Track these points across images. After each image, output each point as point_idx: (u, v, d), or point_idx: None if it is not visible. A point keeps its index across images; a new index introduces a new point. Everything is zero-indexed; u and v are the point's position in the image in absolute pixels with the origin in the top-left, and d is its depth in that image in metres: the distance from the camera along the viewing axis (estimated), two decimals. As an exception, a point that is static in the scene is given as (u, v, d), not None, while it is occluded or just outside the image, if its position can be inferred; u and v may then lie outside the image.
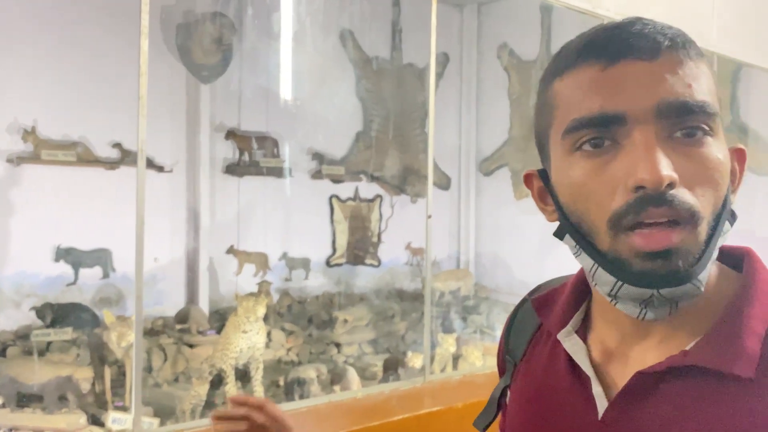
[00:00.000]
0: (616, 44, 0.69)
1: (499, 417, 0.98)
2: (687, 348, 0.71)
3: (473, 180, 6.14)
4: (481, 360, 3.18)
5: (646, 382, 0.72)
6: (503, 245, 5.85)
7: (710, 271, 0.72)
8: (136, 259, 2.03)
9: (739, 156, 0.76)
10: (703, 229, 0.68)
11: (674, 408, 0.69)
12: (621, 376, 0.76)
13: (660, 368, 0.71)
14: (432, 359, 3.27)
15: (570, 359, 0.81)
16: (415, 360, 2.96)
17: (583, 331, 0.84)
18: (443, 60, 6.14)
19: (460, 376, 2.02)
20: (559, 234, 0.81)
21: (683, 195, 0.66)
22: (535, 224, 5.96)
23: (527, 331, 0.95)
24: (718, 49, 3.49)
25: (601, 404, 0.75)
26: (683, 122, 0.68)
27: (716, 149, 0.69)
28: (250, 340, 2.52)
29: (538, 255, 5.66)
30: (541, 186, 0.86)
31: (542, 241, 5.64)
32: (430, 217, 2.46)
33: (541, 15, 5.59)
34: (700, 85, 0.69)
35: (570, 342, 0.82)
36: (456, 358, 3.27)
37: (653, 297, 0.67)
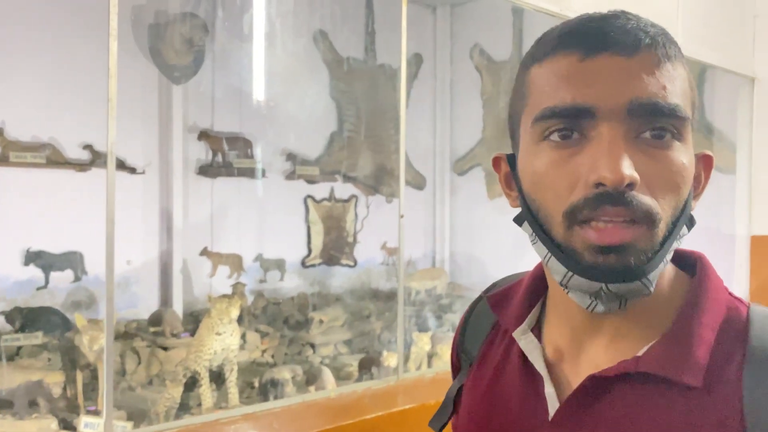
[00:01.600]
0: (597, 37, 0.69)
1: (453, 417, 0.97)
2: (639, 354, 0.72)
3: (448, 180, 6.18)
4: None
5: (597, 385, 0.73)
6: (478, 244, 5.91)
7: (664, 273, 0.74)
8: (106, 261, 2.01)
9: (705, 162, 0.77)
10: (661, 231, 0.69)
11: (624, 413, 0.70)
12: (573, 376, 0.77)
13: (612, 373, 0.72)
14: (407, 358, 3.30)
15: (524, 358, 0.82)
16: (390, 359, 2.98)
17: (538, 330, 0.85)
18: (417, 61, 6.17)
19: (433, 373, 2.04)
20: (518, 220, 0.82)
21: (642, 196, 0.67)
22: (508, 223, 6.01)
23: (483, 329, 0.95)
24: (684, 51, 3.57)
25: (553, 405, 0.76)
26: (652, 123, 0.68)
27: (682, 153, 0.70)
28: (224, 342, 2.51)
29: (512, 253, 5.71)
30: (508, 171, 0.86)
31: (516, 239, 5.67)
32: (402, 216, 2.48)
33: (512, 17, 5.65)
34: (675, 87, 0.69)
35: (525, 341, 0.83)
36: (431, 357, 3.30)
37: (602, 291, 0.69)
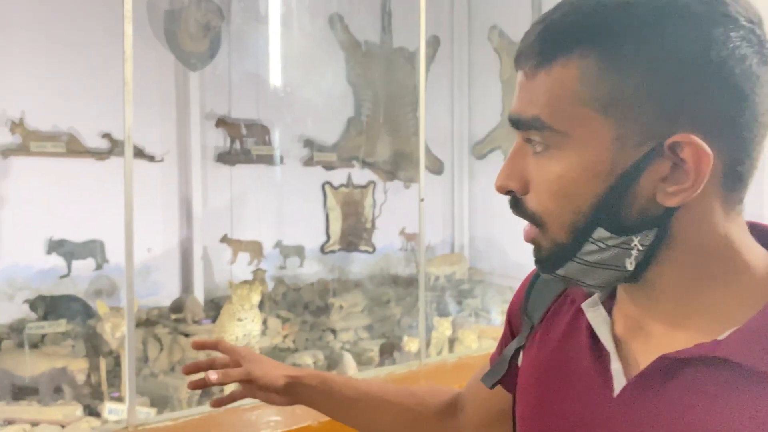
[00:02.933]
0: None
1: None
2: (719, 338, 0.68)
3: (466, 164, 6.12)
4: (477, 342, 3.19)
5: (669, 366, 0.69)
6: (497, 228, 5.85)
7: (745, 258, 0.71)
8: (125, 249, 2.01)
9: (689, 150, 0.66)
10: (556, 233, 0.72)
11: (695, 397, 0.67)
12: (643, 354, 0.74)
13: (686, 355, 0.68)
14: (428, 343, 3.28)
15: (592, 331, 0.79)
16: (411, 344, 2.96)
17: (609, 302, 0.81)
18: (434, 43, 6.09)
19: (455, 358, 2.01)
20: None
21: (529, 201, 0.73)
22: (528, 207, 5.95)
23: (550, 294, 0.91)
24: None
25: (619, 381, 0.73)
26: (525, 135, 0.73)
27: (556, 162, 0.70)
28: (245, 328, 2.51)
29: (532, 237, 5.63)
30: None
31: (536, 223, 5.62)
32: (422, 200, 2.45)
33: (531, -6, 5.55)
34: (540, 97, 0.70)
35: (594, 313, 0.79)
36: (452, 342, 3.27)
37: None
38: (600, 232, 0.71)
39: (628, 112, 0.66)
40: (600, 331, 0.77)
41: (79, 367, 2.55)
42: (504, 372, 0.94)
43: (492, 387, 0.95)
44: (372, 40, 5.59)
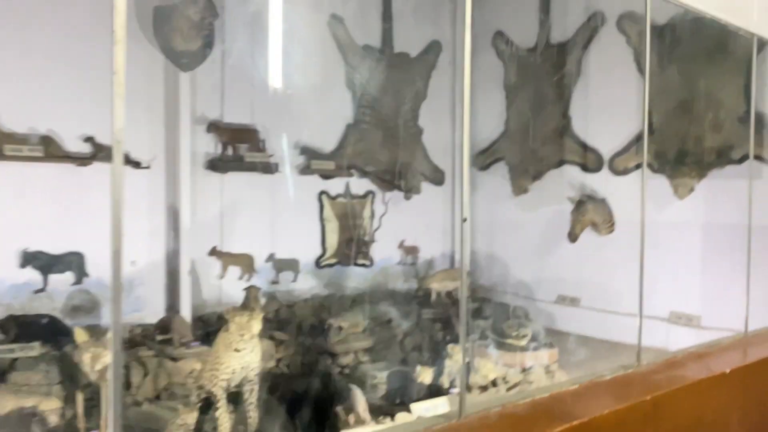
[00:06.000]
0: None
1: None
2: None
3: (468, 175, 5.79)
4: (494, 371, 2.91)
5: None
6: (500, 243, 5.59)
7: None
8: (112, 262, 1.68)
9: None
10: None
11: None
12: None
13: None
14: (440, 372, 3.00)
15: None
16: (425, 375, 2.69)
17: None
18: (435, 49, 5.84)
19: (498, 405, 1.71)
20: None
21: None
22: (534, 221, 5.77)
23: None
24: (759, 30, 3.25)
25: None
26: None
27: None
28: (243, 360, 2.22)
29: (536, 253, 5.43)
30: None
31: (542, 238, 5.41)
32: (465, 220, 2.18)
33: (538, 1, 5.33)
34: None
35: None
36: (468, 371, 2.99)
37: None
38: None
39: None
40: None
41: (51, 407, 2.23)
42: None
43: None
44: (373, 44, 5.33)
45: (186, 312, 4.14)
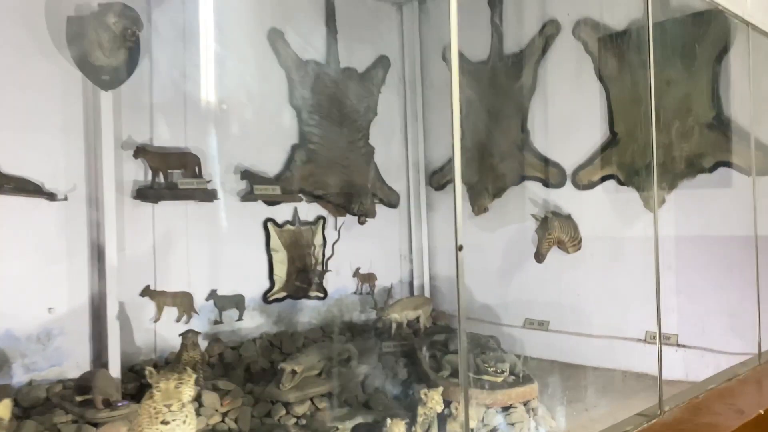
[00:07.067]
0: None
1: None
2: None
3: (424, 195, 5.53)
4: (475, 421, 2.53)
5: None
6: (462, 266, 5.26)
7: None
8: None
9: None
10: None
11: None
12: None
13: None
14: (413, 420, 2.59)
15: None
16: (396, 428, 2.29)
17: None
18: (383, 64, 5.55)
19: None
20: None
21: None
22: (497, 241, 5.48)
23: None
24: (753, 19, 3.04)
25: None
26: None
27: None
28: (173, 432, 1.76)
29: (499, 276, 5.13)
30: None
31: (506, 259, 5.12)
32: (461, 248, 1.87)
33: (489, 10, 5.10)
34: None
35: None
36: (442, 417, 2.60)
37: None
38: None
39: None
40: None
41: None
42: None
43: None
44: (317, 59, 4.98)
45: (115, 363, 3.60)
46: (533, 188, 4.82)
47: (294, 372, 3.38)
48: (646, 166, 4.17)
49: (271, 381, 3.56)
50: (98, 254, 3.71)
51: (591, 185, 4.48)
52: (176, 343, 3.62)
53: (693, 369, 3.89)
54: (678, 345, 4.07)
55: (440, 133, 5.49)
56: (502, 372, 2.98)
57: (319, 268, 4.81)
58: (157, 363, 3.98)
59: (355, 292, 5.10)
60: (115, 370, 3.58)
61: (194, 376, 1.74)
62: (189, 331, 3.39)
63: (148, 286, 3.95)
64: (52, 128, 3.58)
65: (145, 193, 3.92)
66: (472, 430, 2.52)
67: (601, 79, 4.42)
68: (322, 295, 4.85)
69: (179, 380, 1.69)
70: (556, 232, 4.44)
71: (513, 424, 2.83)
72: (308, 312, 4.79)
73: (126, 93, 3.81)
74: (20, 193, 3.41)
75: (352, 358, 3.77)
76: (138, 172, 3.96)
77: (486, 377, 3.01)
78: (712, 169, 3.94)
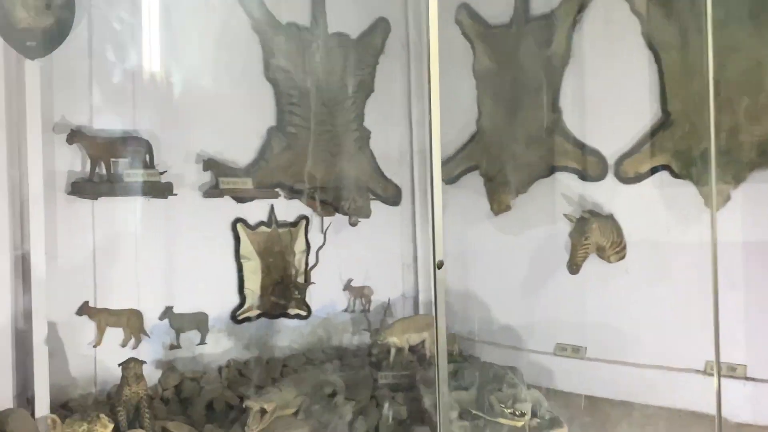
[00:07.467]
0: None
1: None
2: None
3: (436, 190, 5.38)
4: None
5: None
6: (477, 277, 5.18)
7: None
8: None
9: None
10: None
11: None
12: None
13: None
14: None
15: None
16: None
17: None
18: (381, 28, 5.43)
19: None
20: None
21: None
22: (520, 248, 5.36)
23: None
24: None
25: None
26: None
27: None
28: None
29: (525, 291, 5.02)
30: None
31: (531, 271, 5.00)
32: (441, 265, 1.84)
33: (513, -39, 4.98)
34: None
35: None
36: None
37: None
38: None
39: None
40: None
41: None
42: None
43: None
44: (300, 22, 4.88)
45: (43, 399, 3.52)
46: (566, 181, 4.72)
47: (263, 411, 3.30)
48: (705, 153, 4.05)
49: (238, 420, 3.47)
50: (23, 263, 3.67)
51: (638, 178, 4.37)
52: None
53: (764, 408, 3.82)
54: (746, 378, 3.99)
55: (452, 112, 5.38)
56: (523, 414, 2.87)
57: (300, 279, 4.73)
58: (98, 398, 3.92)
59: (345, 310, 5.06)
60: (43, 407, 3.51)
61: (110, 425, 1.60)
62: (130, 359, 3.30)
63: (86, 303, 3.93)
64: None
65: (82, 188, 3.89)
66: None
67: (651, 45, 4.30)
68: (304, 313, 4.81)
69: (90, 428, 1.55)
70: (594, 237, 4.36)
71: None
72: (288, 334, 4.75)
73: (58, 63, 3.78)
74: None
75: (338, 393, 3.67)
76: (74, 161, 3.93)
77: (503, 420, 2.91)
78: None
